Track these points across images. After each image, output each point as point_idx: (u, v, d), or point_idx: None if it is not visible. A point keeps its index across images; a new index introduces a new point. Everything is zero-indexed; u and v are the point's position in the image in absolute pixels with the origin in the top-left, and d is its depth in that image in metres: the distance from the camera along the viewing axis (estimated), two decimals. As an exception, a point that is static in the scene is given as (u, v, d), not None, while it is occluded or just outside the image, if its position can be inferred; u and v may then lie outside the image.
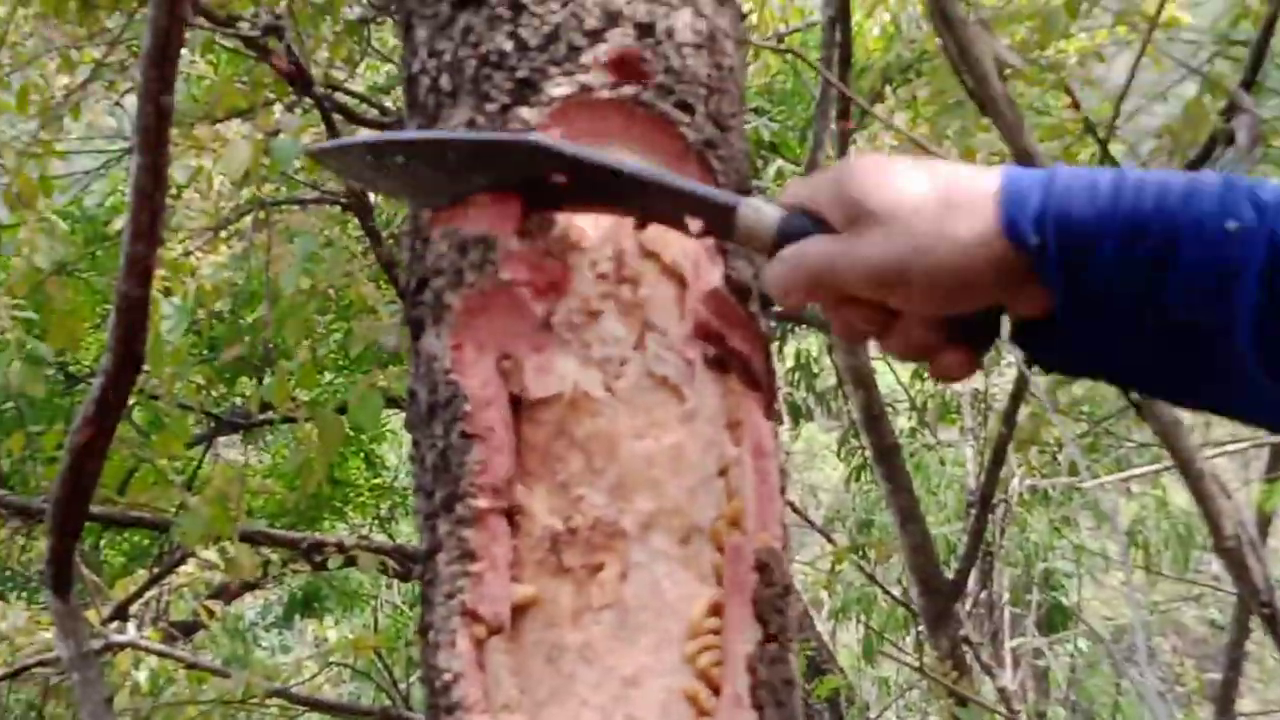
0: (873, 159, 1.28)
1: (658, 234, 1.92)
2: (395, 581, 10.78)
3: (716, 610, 1.83)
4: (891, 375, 10.90)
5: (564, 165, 1.50)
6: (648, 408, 1.88)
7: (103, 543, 9.61)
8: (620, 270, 1.91)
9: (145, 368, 4.03)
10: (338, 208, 6.83)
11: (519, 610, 1.82)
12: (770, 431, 1.98)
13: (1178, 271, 1.18)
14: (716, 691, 1.77)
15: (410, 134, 1.61)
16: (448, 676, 1.78)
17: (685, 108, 1.98)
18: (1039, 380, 7.28)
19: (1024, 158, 4.55)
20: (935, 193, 1.22)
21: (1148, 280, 1.20)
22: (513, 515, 1.85)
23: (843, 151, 6.70)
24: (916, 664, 6.15)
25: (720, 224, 1.41)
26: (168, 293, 5.54)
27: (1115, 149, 6.87)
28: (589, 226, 1.91)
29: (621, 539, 1.80)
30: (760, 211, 1.32)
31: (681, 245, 1.95)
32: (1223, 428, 9.13)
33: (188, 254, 6.40)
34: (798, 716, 1.81)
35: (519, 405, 1.89)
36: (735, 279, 1.95)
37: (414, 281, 1.99)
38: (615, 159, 1.41)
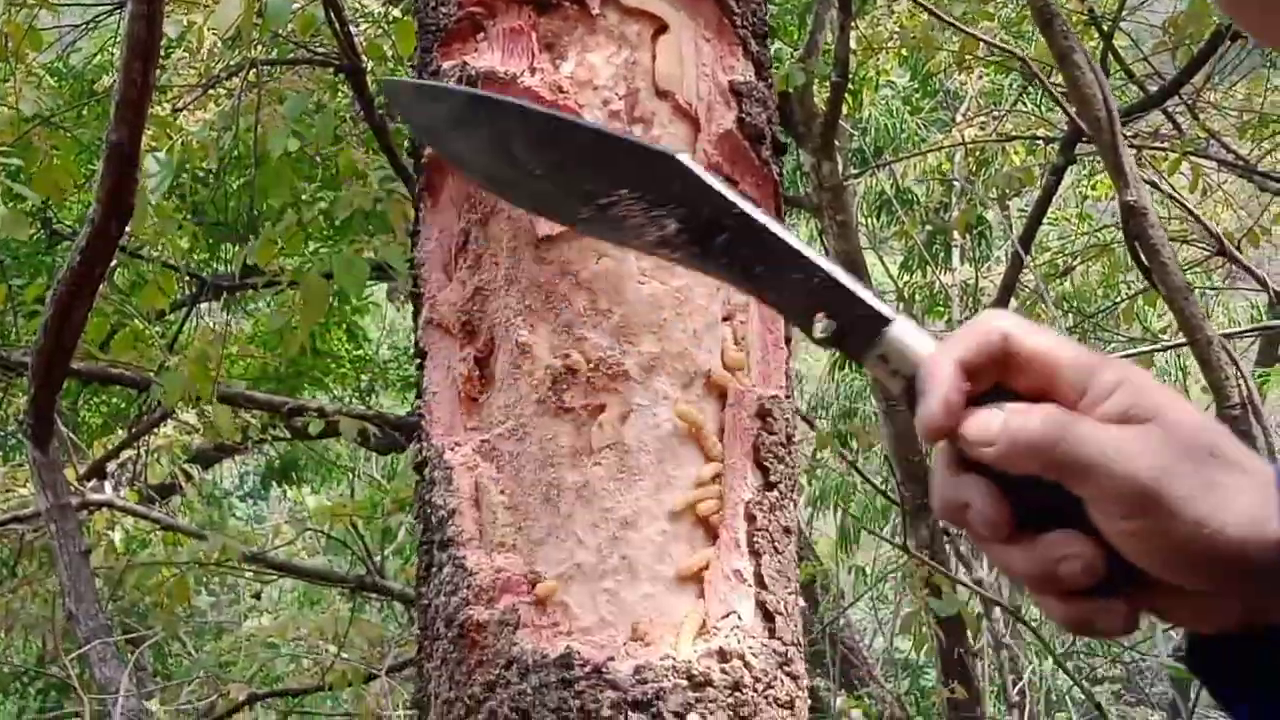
0: None
1: (672, 73, 1.88)
2: (374, 455, 10.77)
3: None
4: (881, 267, 10.88)
5: (705, 203, 1.15)
6: (655, 250, 1.85)
7: (80, 403, 9.57)
8: (633, 109, 1.86)
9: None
10: (330, 70, 6.73)
11: (516, 448, 1.79)
12: (777, 281, 1.95)
13: None
14: (714, 536, 1.75)
15: (524, 103, 1.27)
16: (443, 512, 1.75)
17: (703, -53, 1.93)
18: (1030, 274, 7.25)
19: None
20: (1221, 436, 1.03)
21: None
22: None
23: (842, 38, 6.62)
24: (900, 544, 6.16)
25: (859, 332, 1.11)
26: (153, 150, 5.44)
27: (1119, 42, 6.81)
28: (601, 63, 1.87)
29: (623, 380, 1.77)
30: (917, 337, 1.08)
31: (696, 87, 1.91)
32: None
33: (176, 111, 6.32)
34: (794, 564, 1.79)
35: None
36: (749, 124, 1.91)
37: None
38: (771, 220, 1.11)
